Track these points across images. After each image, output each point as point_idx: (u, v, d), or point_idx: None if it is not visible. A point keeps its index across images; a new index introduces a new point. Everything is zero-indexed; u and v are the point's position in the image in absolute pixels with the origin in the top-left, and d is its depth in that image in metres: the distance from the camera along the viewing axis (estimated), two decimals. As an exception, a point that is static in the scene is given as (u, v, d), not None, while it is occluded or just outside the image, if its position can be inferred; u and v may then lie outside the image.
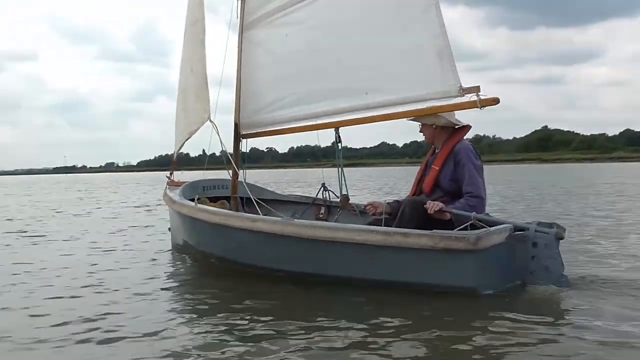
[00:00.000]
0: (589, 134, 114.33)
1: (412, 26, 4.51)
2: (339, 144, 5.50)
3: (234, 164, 6.10)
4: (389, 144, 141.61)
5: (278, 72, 5.64)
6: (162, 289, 4.80)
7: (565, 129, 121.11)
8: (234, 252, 5.20)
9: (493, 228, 4.15)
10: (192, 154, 12.52)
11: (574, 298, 4.02)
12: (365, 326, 3.47)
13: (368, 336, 3.30)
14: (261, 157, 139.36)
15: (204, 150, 6.75)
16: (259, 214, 5.33)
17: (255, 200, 5.85)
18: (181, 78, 6.49)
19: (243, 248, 5.11)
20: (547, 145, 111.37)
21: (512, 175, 35.88)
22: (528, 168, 57.99)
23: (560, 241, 4.63)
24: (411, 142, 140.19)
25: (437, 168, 4.84)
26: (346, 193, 5.84)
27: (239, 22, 6.00)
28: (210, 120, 5.84)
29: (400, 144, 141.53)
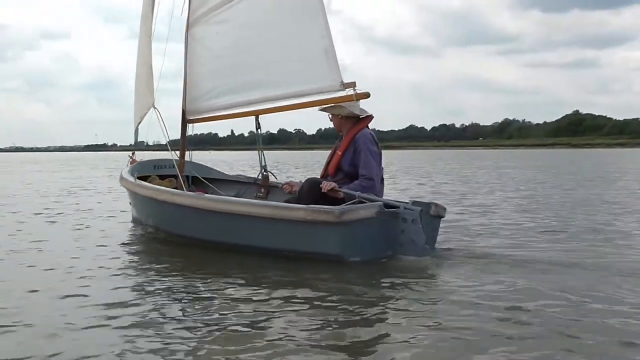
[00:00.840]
0: (621, 119, 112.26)
1: (305, 29, 5.20)
2: (259, 130, 6.18)
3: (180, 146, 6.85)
4: (417, 127, 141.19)
5: (213, 65, 6.32)
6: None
7: (597, 114, 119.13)
8: (162, 222, 5.98)
9: (361, 205, 4.80)
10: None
11: (434, 267, 4.65)
12: (251, 290, 4.13)
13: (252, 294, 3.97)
14: (289, 138, 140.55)
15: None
16: (202, 192, 6.10)
17: (201, 179, 6.59)
18: (137, 66, 7.19)
19: (169, 219, 5.89)
20: (578, 129, 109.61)
21: (537, 160, 36.17)
22: (556, 153, 57.61)
23: (441, 219, 5.31)
24: (440, 125, 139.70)
25: (340, 153, 5.50)
26: (266, 173, 6.54)
27: (186, 20, 6.69)
28: (154, 107, 6.57)
29: (428, 127, 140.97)
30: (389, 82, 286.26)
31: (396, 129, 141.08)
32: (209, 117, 6.56)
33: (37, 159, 59.50)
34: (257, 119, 6.14)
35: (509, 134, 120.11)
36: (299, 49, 5.31)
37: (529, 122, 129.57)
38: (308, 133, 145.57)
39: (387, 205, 4.94)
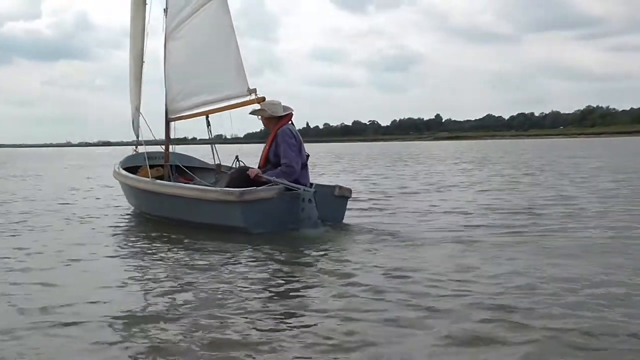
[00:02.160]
0: None
1: (223, 47, 6.56)
2: (209, 127, 7.46)
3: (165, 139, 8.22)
4: (494, 116, 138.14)
5: (179, 72, 7.64)
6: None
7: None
8: (135, 203, 7.38)
9: (262, 187, 5.95)
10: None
11: (322, 239, 5.71)
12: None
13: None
14: (363, 130, 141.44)
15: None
16: (182, 180, 7.49)
17: (182, 167, 7.96)
18: (129, 67, 8.55)
19: (137, 200, 7.28)
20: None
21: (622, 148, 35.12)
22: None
23: (348, 199, 6.38)
24: (518, 114, 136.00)
25: (267, 148, 6.66)
26: (219, 162, 7.79)
27: (164, 33, 8.03)
28: (137, 110, 7.98)
29: (506, 116, 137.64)
30: (464, 71, 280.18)
31: (472, 119, 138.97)
32: (178, 116, 7.88)
33: (125, 152, 63.32)
34: (207, 118, 7.42)
35: (592, 121, 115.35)
36: (222, 62, 6.67)
37: (614, 108, 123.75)
38: (382, 124, 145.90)
39: (289, 187, 6.06)
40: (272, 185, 6.04)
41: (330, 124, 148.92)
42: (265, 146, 6.72)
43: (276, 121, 6.66)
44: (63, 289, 4.11)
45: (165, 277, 4.37)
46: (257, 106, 6.75)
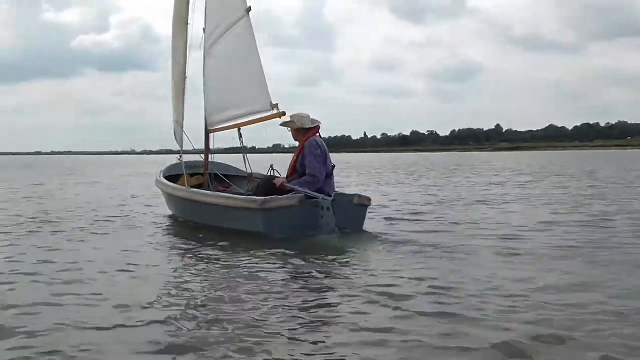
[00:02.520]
0: None
1: (250, 64, 6.95)
2: (241, 139, 7.93)
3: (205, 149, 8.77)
4: (557, 126, 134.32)
5: (215, 87, 8.15)
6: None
7: None
8: (173, 209, 7.93)
9: (283, 196, 6.35)
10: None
11: (340, 244, 6.04)
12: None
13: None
14: (421, 140, 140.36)
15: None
16: (221, 188, 8.04)
17: (220, 175, 8.49)
18: (172, 78, 9.14)
19: (179, 208, 7.82)
20: None
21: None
22: None
23: (368, 207, 6.70)
24: (582, 125, 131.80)
25: (295, 158, 7.07)
26: (251, 171, 8.23)
27: (203, 51, 8.59)
28: (178, 123, 8.55)
29: (570, 127, 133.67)
30: (526, 81, 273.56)
31: (534, 129, 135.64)
32: (215, 129, 8.40)
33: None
34: (238, 130, 7.89)
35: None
36: (248, 79, 7.14)
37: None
38: (441, 134, 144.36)
39: (309, 196, 6.43)
40: (294, 194, 6.43)
41: (389, 134, 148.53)
42: (293, 156, 7.11)
43: (304, 133, 7.04)
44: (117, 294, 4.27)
45: (192, 281, 4.73)
46: (287, 118, 7.19)
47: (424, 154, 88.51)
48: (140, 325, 3.48)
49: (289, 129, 7.19)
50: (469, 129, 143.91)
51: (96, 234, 7.25)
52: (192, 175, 9.24)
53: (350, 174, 24.18)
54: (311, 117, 7.15)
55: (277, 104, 7.00)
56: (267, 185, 6.93)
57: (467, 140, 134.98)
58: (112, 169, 37.06)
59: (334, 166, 7.10)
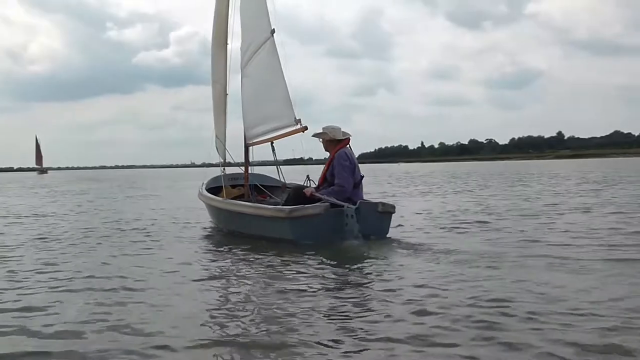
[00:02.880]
0: None
1: (276, 82, 7.53)
2: (274, 152, 8.41)
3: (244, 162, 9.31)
4: (623, 132, 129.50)
5: (250, 104, 8.69)
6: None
7: None
8: (214, 219, 8.47)
9: (310, 205, 6.74)
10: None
11: (364, 250, 6.37)
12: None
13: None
14: (480, 148, 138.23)
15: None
16: (260, 198, 8.57)
17: (259, 186, 9.01)
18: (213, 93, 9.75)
19: (218, 218, 8.35)
20: None
21: None
22: None
23: (392, 214, 7.02)
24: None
25: (325, 169, 7.47)
26: (284, 181, 8.67)
27: (241, 69, 9.15)
28: (218, 137, 9.12)
29: (636, 132, 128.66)
30: (589, 86, 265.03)
31: (598, 136, 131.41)
32: (252, 142, 8.90)
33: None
34: (271, 144, 8.37)
35: None
36: (275, 96, 7.64)
37: None
38: (500, 142, 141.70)
39: (335, 204, 6.81)
40: (322, 202, 6.83)
41: (446, 143, 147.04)
42: (324, 167, 7.51)
43: (335, 144, 7.46)
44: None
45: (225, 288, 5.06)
46: (319, 130, 7.61)
47: (483, 163, 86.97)
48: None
49: (321, 140, 7.60)
50: (529, 137, 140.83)
51: (145, 243, 7.77)
52: (233, 186, 9.78)
53: (406, 184, 24.30)
54: (342, 130, 7.55)
55: (299, 119, 7.47)
56: (296, 195, 7.36)
57: (527, 148, 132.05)
58: (175, 181, 38.18)
59: (362, 176, 7.46)
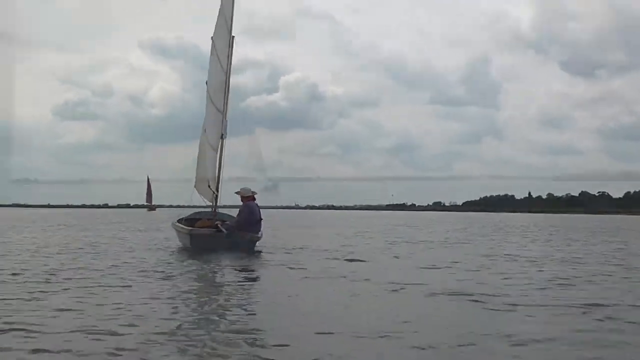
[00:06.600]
0: None
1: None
2: (215, 201, 13.38)
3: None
4: None
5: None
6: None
7: None
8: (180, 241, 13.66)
9: (204, 230, 11.75)
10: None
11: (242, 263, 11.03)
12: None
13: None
14: (592, 201, 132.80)
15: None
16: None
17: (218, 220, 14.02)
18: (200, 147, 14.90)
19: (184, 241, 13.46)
20: None
21: None
22: None
23: (255, 242, 11.95)
24: None
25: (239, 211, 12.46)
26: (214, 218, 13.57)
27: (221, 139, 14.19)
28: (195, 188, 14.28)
29: None
30: None
31: None
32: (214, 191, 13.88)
33: (345, 215, 67.50)
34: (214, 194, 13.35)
35: None
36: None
37: None
38: (614, 196, 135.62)
39: (220, 230, 11.71)
40: (217, 230, 11.80)
41: (555, 194, 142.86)
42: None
43: (246, 198, 12.43)
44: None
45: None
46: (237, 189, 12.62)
47: (594, 216, 78.81)
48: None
49: (240, 195, 12.60)
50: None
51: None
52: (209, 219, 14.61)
53: (503, 234, 25.15)
54: (251, 190, 12.49)
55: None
56: (208, 224, 12.45)
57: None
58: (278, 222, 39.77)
59: (261, 219, 12.32)
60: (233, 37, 14.24)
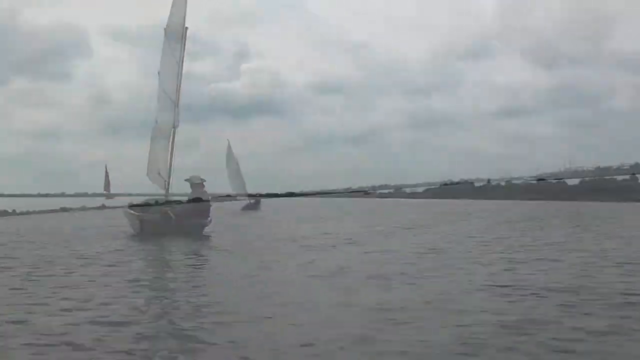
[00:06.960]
0: None
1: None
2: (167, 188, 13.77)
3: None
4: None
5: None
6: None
7: None
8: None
9: (154, 215, 12.22)
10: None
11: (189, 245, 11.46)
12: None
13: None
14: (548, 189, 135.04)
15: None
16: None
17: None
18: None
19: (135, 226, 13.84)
20: None
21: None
22: None
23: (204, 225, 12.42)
24: None
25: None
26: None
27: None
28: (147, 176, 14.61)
29: None
30: None
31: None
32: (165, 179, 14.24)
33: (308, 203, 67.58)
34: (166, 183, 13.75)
35: None
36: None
37: None
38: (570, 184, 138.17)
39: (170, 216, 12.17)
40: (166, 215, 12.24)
41: (513, 182, 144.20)
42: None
43: (195, 186, 12.90)
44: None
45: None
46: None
47: (552, 202, 70.53)
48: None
49: (189, 182, 13.03)
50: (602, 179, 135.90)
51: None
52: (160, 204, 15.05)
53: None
54: (200, 177, 12.98)
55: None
56: (162, 210, 12.84)
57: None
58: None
59: (210, 205, 12.79)
60: (186, 28, 14.57)
